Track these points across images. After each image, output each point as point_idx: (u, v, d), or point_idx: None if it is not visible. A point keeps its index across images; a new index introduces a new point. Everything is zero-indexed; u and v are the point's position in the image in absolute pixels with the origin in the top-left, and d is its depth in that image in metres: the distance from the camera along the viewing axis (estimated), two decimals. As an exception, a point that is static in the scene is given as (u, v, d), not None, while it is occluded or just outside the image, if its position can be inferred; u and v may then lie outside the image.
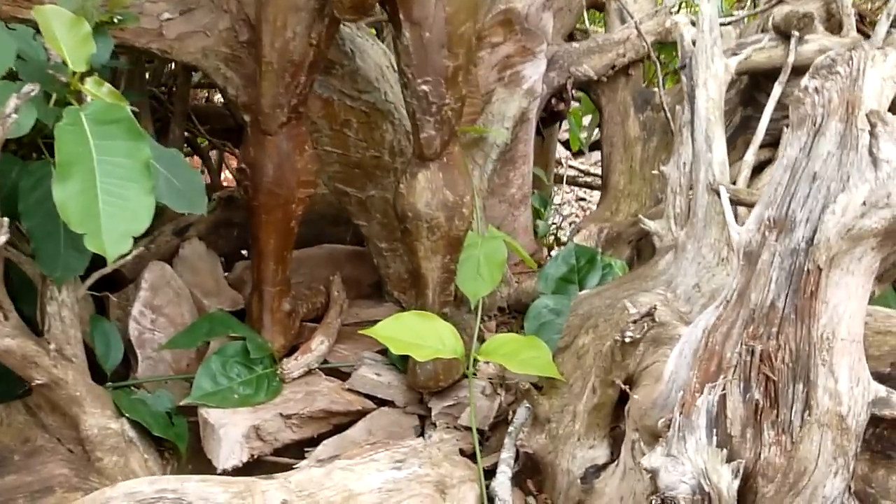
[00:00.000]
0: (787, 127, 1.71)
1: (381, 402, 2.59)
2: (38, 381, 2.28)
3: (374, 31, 3.20)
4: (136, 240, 2.99)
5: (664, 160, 2.59)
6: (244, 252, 3.32)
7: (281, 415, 2.45)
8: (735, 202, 1.99)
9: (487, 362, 2.50)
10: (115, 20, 2.39)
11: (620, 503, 1.98)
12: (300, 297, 2.76)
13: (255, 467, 2.44)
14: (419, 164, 2.41)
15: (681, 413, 1.73)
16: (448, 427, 2.49)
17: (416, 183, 2.40)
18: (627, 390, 1.94)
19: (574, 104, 3.84)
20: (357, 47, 2.64)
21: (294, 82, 2.38)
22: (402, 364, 2.58)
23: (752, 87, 3.12)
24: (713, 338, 1.73)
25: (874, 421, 1.74)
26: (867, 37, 2.92)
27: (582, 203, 6.07)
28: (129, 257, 2.60)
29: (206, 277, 2.99)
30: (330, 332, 2.69)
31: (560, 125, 4.26)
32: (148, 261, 2.96)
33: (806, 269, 1.61)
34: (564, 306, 2.53)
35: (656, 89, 3.39)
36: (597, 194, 4.56)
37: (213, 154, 4.12)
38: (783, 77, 2.69)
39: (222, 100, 3.92)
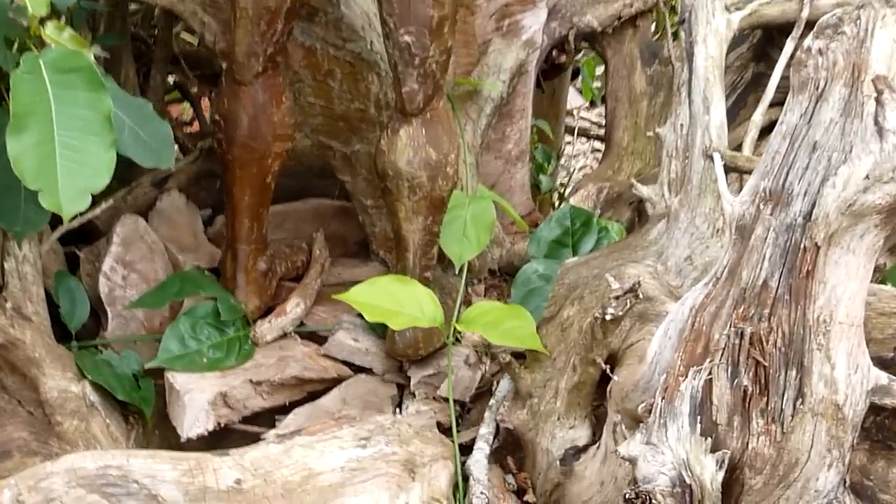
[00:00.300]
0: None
1: (358, 370, 2.48)
2: (-7, 341, 2.20)
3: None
4: (113, 191, 2.94)
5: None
6: (228, 205, 3.22)
7: (251, 381, 2.35)
8: (732, 169, 1.88)
9: (472, 330, 2.39)
10: (82, -39, 2.27)
11: (601, 487, 1.88)
12: (279, 256, 2.65)
13: (222, 436, 2.35)
14: (401, 120, 2.29)
15: (663, 398, 1.63)
16: (427, 398, 2.39)
17: (397, 139, 2.29)
18: (608, 371, 1.83)
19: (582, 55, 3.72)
20: (342, -7, 2.52)
21: (270, 30, 2.26)
22: (381, 329, 2.47)
23: (765, 42, 2.98)
24: (700, 317, 1.63)
25: (874, 409, 1.65)
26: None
27: (597, 154, 5.94)
28: (97, 211, 2.52)
29: (183, 232, 2.88)
30: (308, 293, 2.58)
31: (571, 75, 4.15)
32: (125, 212, 2.86)
33: (802, 246, 1.52)
34: (555, 272, 2.42)
35: (665, 42, 3.25)
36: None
37: (205, 101, 4.00)
38: (796, 32, 2.55)
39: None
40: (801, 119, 1.53)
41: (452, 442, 2.12)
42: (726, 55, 2.96)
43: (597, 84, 5.03)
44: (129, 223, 2.68)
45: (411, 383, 2.41)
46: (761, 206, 1.56)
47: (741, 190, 1.61)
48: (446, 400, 2.35)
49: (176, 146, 4.18)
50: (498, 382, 2.33)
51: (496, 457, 2.21)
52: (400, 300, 2.18)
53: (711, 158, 1.85)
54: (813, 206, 1.49)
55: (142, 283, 2.64)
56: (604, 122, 4.99)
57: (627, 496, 1.56)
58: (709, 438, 1.58)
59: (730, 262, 1.61)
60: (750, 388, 1.57)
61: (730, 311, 1.59)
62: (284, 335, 2.51)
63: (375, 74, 2.58)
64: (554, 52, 3.21)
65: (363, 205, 2.79)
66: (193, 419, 2.27)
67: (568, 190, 4.24)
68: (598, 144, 5.77)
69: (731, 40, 2.05)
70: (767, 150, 1.58)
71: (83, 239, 2.82)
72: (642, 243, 2.09)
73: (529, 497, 2.12)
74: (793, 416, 1.57)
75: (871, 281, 1.60)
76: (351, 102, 2.62)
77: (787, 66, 2.47)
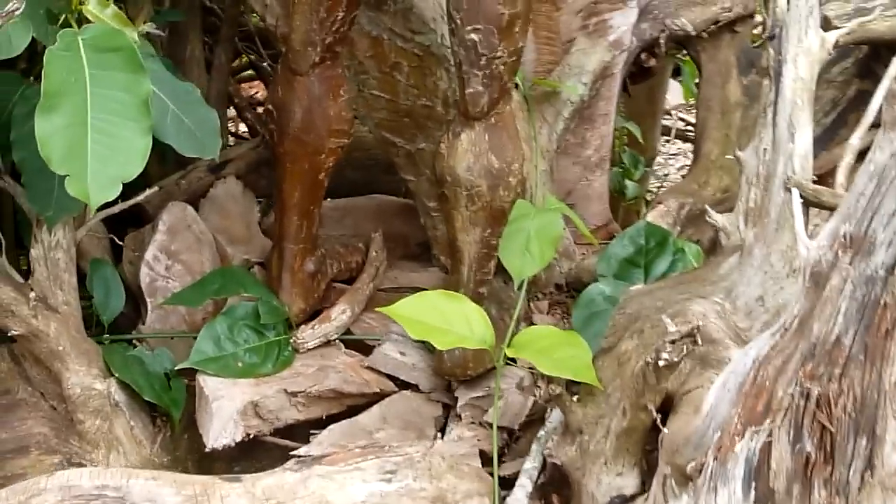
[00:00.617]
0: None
1: (403, 385, 2.36)
2: (16, 332, 2.12)
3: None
4: (166, 176, 2.87)
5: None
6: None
7: (285, 391, 2.24)
8: (815, 204, 1.73)
9: (526, 350, 2.26)
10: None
11: (647, 543, 1.75)
12: (332, 256, 2.55)
13: (251, 448, 2.26)
14: (463, 123, 2.17)
15: (715, 458, 1.50)
16: (473, 422, 2.26)
17: (457, 144, 2.17)
18: (658, 423, 1.70)
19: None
20: (414, -18, 2.40)
21: (330, 18, 2.15)
22: (431, 344, 2.34)
23: (871, 58, 2.81)
24: (764, 371, 1.49)
25: (955, 486, 1.50)
26: None
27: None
28: (147, 193, 2.43)
29: (235, 222, 2.79)
30: (357, 299, 2.48)
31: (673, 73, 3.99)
32: (178, 198, 2.78)
33: (883, 301, 1.38)
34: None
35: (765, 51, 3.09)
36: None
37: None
38: (903, 54, 2.39)
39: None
40: (892, 159, 1.38)
41: (493, 476, 1.99)
42: (827, 69, 2.81)
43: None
44: (176, 211, 2.59)
45: (458, 405, 2.29)
46: (840, 254, 1.42)
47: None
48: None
49: (244, 126, 4.13)
50: (551, 410, 2.20)
51: (541, 493, 2.09)
52: (448, 317, 2.06)
53: (790, 191, 1.70)
54: (897, 258, 1.34)
55: (186, 275, 2.56)
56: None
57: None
58: (763, 507, 1.45)
59: (801, 312, 1.47)
60: (813, 455, 1.45)
61: (797, 367, 1.45)
62: (328, 342, 2.40)
63: (444, 70, 2.46)
64: (643, 55, 3.05)
65: (426, 206, 2.68)
66: (220, 429, 2.17)
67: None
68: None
69: (826, 59, 1.89)
70: (852, 190, 1.43)
71: (136, 224, 2.75)
72: (711, 277, 1.94)
73: (574, 541, 1.99)
74: (860, 489, 1.45)
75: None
76: (417, 98, 2.51)
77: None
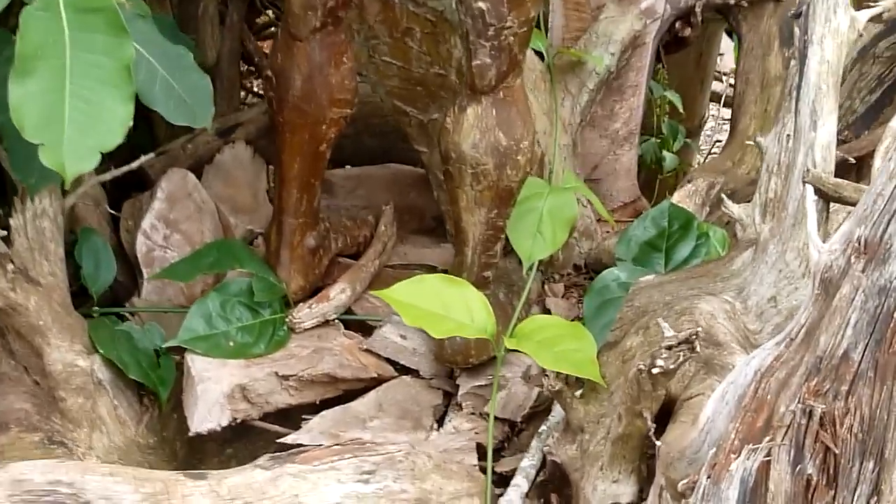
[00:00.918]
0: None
1: (403, 370, 2.27)
2: (-7, 305, 2.05)
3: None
4: (173, 138, 2.78)
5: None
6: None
7: (276, 374, 2.16)
8: (836, 199, 1.61)
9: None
10: None
11: (642, 555, 1.66)
12: (337, 230, 2.46)
13: (241, 432, 2.18)
14: (470, 97, 2.06)
15: (709, 476, 1.40)
16: (474, 413, 2.17)
17: (463, 119, 2.06)
18: (651, 435, 1.60)
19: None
20: (427, -58, 2.29)
21: (331, -21, 2.06)
22: (434, 328, 2.26)
23: (919, 35, 2.68)
24: (766, 384, 1.39)
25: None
26: None
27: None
28: (151, 156, 2.35)
29: (241, 190, 2.71)
30: (359, 276, 2.38)
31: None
32: (184, 164, 2.70)
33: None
34: (641, 281, 2.17)
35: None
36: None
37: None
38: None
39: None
40: (916, 157, 1.27)
41: (486, 474, 1.90)
42: (874, 43, 2.68)
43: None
44: (175, 177, 2.51)
45: (459, 394, 2.20)
46: (852, 259, 1.31)
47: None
48: (496, 418, 2.15)
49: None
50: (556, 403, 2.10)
51: (540, 491, 2.00)
52: (447, 303, 1.96)
53: (811, 185, 1.59)
54: (915, 267, 1.23)
55: (185, 245, 2.48)
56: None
57: None
58: (758, 533, 1.35)
59: (809, 321, 1.37)
60: (815, 478, 1.34)
61: (801, 381, 1.35)
62: (327, 322, 2.30)
63: (459, 37, 2.34)
64: (678, 25, 2.93)
65: (439, 180, 2.57)
66: (206, 412, 2.09)
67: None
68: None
69: (854, 41, 1.77)
70: (869, 189, 1.33)
71: (141, 192, 2.67)
72: (724, 273, 1.83)
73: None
74: (865, 517, 1.33)
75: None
76: (430, 66, 2.40)
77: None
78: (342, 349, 2.24)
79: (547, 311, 2.44)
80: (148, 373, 2.20)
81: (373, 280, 2.44)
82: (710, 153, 4.74)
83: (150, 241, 2.45)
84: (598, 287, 2.25)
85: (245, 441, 2.24)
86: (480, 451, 2.09)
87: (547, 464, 2.00)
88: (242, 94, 3.46)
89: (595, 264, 2.62)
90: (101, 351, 2.15)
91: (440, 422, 2.19)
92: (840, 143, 2.50)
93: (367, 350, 2.27)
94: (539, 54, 2.64)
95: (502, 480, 1.99)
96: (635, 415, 1.65)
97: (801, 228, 1.70)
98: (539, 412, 2.19)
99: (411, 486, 1.74)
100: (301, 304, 2.30)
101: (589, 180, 2.87)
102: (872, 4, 1.86)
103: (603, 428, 1.84)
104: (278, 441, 2.08)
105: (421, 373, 2.27)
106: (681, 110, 3.66)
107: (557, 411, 2.06)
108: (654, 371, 1.54)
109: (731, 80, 5.27)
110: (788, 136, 1.80)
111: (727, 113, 5.09)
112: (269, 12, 3.77)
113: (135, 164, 2.32)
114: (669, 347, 1.53)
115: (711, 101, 4.53)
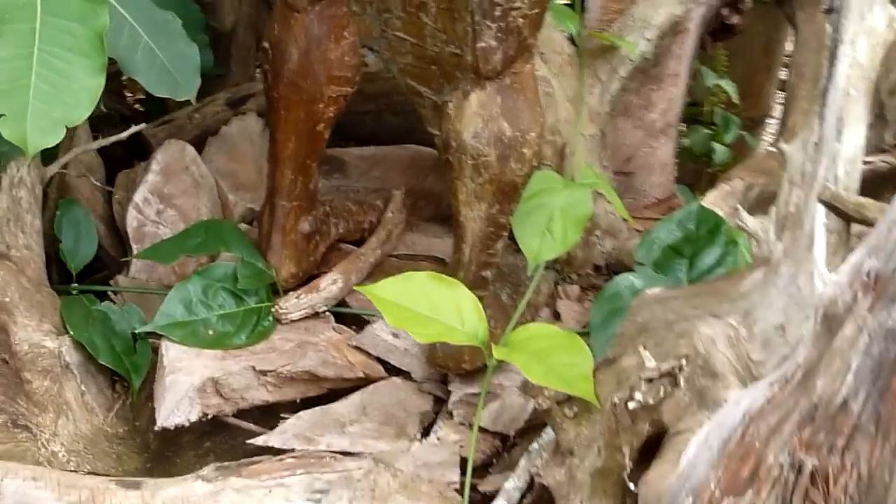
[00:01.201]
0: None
1: (394, 371, 2.13)
2: (-47, 280, 1.95)
3: None
4: (181, 106, 2.66)
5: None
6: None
7: (253, 368, 2.02)
8: (858, 220, 1.45)
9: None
10: None
11: None
12: (339, 214, 2.32)
13: (215, 428, 2.06)
14: (474, 83, 1.92)
15: (683, 530, 1.25)
16: (463, 424, 2.03)
17: (466, 105, 1.92)
18: (627, 479, 1.45)
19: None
20: None
21: (331, -55, 1.92)
22: (427, 329, 2.11)
23: None
24: (755, 429, 1.24)
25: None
26: None
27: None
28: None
29: (246, 165, 2.57)
30: (356, 266, 2.24)
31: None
32: (189, 134, 2.58)
33: (903, 364, 1.12)
34: (657, 290, 2.01)
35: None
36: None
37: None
38: None
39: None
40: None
41: (461, 496, 1.76)
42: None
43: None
44: (173, 149, 2.39)
45: (450, 401, 2.06)
46: (859, 295, 1.16)
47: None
48: (486, 430, 2.01)
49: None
50: (555, 417, 1.95)
51: (526, 515, 1.85)
52: (436, 304, 1.81)
53: (826, 205, 1.43)
54: (927, 310, 1.08)
55: (179, 222, 2.37)
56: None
57: None
58: None
59: (808, 361, 1.22)
60: (802, 542, 1.19)
61: (793, 429, 1.20)
62: (317, 315, 2.17)
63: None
64: (725, 11, 2.76)
65: (453, 165, 2.44)
66: (173, 406, 1.97)
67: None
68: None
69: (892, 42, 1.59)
70: (884, 216, 1.17)
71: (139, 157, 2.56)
72: (732, 293, 1.67)
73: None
74: (858, 588, 1.19)
75: None
76: (445, 44, 2.24)
77: None
78: (328, 345, 2.11)
79: (557, 315, 2.29)
80: (121, 358, 2.08)
81: (373, 270, 2.30)
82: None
83: (142, 216, 2.34)
84: (608, 294, 2.09)
85: (226, 435, 2.12)
86: (465, 465, 1.94)
87: (535, 486, 1.86)
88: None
89: (616, 265, 2.47)
90: (72, 332, 2.04)
91: (426, 431, 2.05)
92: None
93: (356, 347, 2.13)
94: (569, 38, 2.49)
95: (485, 501, 1.84)
96: (615, 449, 1.50)
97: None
98: (536, 426, 2.04)
99: (369, 509, 1.61)
100: (290, 293, 2.16)
101: (620, 173, 2.72)
102: (915, 2, 1.68)
103: (592, 453, 1.69)
104: (247, 442, 1.95)
105: (413, 375, 2.13)
106: (734, 100, 3.48)
107: (550, 430, 1.91)
108: (631, 406, 1.38)
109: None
110: (815, 144, 1.63)
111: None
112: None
113: (124, 135, 2.20)
114: (650, 380, 1.37)
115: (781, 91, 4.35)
